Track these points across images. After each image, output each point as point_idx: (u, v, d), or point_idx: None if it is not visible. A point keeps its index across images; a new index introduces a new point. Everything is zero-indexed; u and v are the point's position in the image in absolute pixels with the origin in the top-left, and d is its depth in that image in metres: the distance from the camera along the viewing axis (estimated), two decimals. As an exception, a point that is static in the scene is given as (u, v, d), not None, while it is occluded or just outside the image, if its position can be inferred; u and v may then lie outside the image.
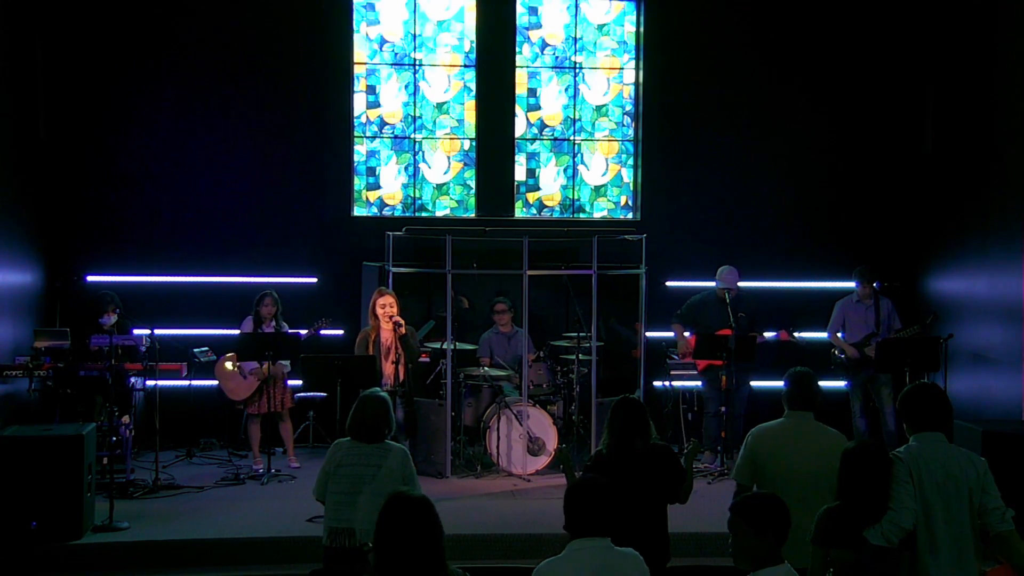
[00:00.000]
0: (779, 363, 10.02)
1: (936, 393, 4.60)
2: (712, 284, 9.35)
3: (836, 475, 4.43)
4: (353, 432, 5.34)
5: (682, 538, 6.68)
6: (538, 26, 10.83)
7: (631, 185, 10.93)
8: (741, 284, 9.29)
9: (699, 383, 9.45)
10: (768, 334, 9.21)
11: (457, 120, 10.78)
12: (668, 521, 5.22)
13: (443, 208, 10.79)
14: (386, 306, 7.86)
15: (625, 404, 5.23)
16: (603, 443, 5.25)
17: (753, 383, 9.83)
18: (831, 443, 4.88)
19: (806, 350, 8.83)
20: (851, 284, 9.44)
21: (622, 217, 10.89)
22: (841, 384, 9.32)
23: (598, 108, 10.89)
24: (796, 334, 9.20)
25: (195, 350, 9.01)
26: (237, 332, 9.05)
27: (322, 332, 9.06)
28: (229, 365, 8.98)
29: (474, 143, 10.73)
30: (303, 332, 8.89)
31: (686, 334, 9.39)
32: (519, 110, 10.76)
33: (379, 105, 10.72)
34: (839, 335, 9.34)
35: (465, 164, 10.80)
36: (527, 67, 10.81)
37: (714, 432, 9.16)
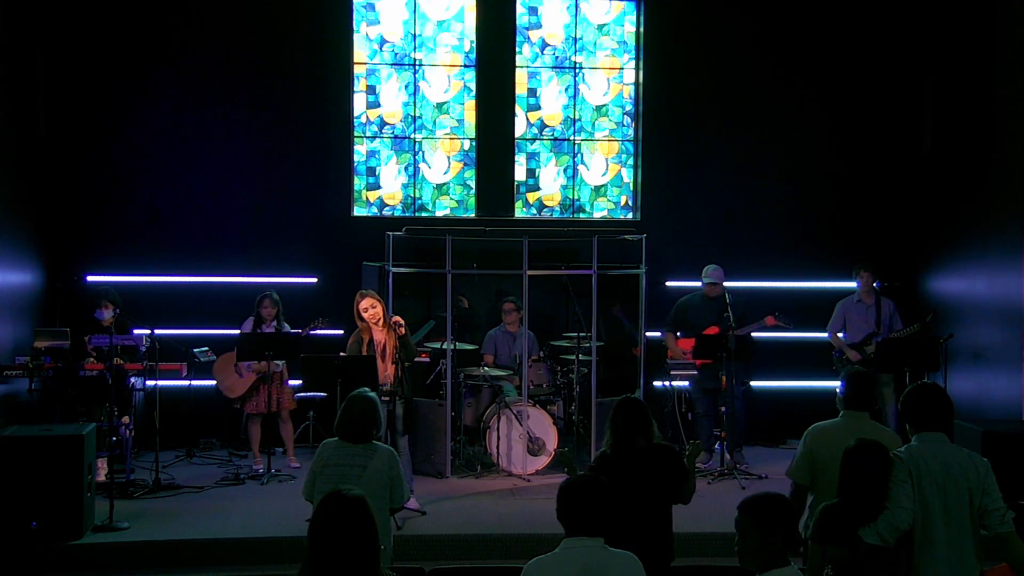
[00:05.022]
0: (779, 363, 10.11)
1: (938, 393, 4.61)
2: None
3: None
4: (340, 432, 5.34)
5: (683, 538, 6.64)
6: (538, 26, 10.83)
7: (631, 185, 10.93)
8: (728, 284, 9.31)
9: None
10: (752, 326, 9.15)
11: (457, 120, 10.78)
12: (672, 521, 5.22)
13: (443, 208, 10.79)
14: (369, 308, 7.75)
15: (627, 404, 5.23)
16: (606, 443, 5.25)
17: (753, 383, 9.84)
18: (890, 442, 4.87)
19: (803, 342, 8.78)
20: (851, 284, 9.45)
21: (622, 217, 10.89)
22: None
23: (598, 108, 10.89)
24: (780, 316, 9.08)
25: (195, 350, 9.00)
26: (237, 332, 9.05)
27: (312, 333, 9.03)
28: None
29: (474, 143, 10.72)
30: (295, 332, 8.88)
31: (678, 334, 9.40)
32: (519, 110, 10.75)
33: (379, 105, 10.72)
34: (840, 335, 9.34)
35: (465, 164, 10.79)
36: (527, 67, 10.81)
37: (706, 432, 9.17)
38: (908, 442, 4.53)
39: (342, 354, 7.93)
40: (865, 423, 5.14)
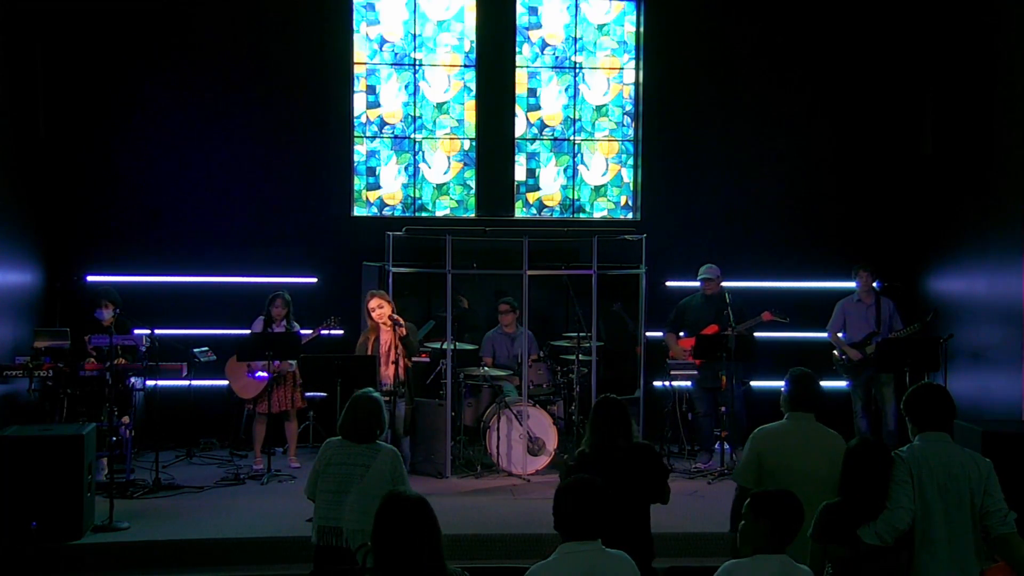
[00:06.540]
0: (779, 362, 10.10)
1: (940, 393, 4.60)
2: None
3: (838, 476, 4.44)
4: (344, 432, 5.33)
5: (683, 538, 6.68)
6: (538, 26, 10.83)
7: (631, 185, 10.93)
8: (729, 284, 9.33)
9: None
10: (749, 322, 9.12)
11: (457, 120, 10.78)
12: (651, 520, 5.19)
13: (443, 208, 10.79)
14: (376, 308, 7.79)
15: (606, 403, 5.18)
16: (585, 442, 5.22)
17: (753, 383, 9.84)
18: (833, 444, 4.88)
19: (804, 342, 8.78)
20: (850, 284, 9.45)
21: (622, 217, 10.89)
22: (843, 384, 9.32)
23: (598, 108, 10.89)
24: (776, 311, 9.07)
25: (195, 350, 9.00)
26: (237, 332, 9.06)
27: (324, 333, 9.05)
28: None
29: (474, 143, 10.72)
30: (307, 332, 8.89)
31: (681, 334, 9.41)
32: (519, 110, 10.75)
33: (379, 105, 10.72)
34: (840, 335, 9.34)
35: (465, 164, 10.80)
36: (527, 67, 10.81)
37: (706, 432, 9.17)
38: (897, 442, 4.54)
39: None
40: (810, 424, 5.06)
